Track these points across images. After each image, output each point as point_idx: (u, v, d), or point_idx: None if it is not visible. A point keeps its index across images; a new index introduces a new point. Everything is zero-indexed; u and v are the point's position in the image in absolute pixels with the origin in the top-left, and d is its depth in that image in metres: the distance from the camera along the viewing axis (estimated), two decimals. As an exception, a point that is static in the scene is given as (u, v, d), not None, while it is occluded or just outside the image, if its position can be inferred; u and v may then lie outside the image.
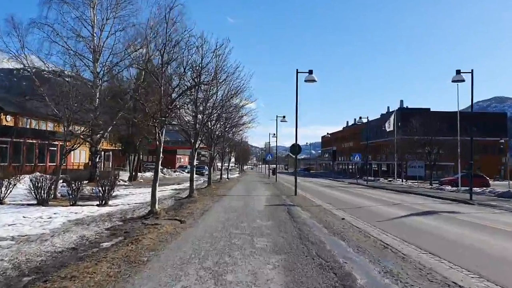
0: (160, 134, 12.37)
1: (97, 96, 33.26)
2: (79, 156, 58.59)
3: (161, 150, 12.83)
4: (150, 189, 28.17)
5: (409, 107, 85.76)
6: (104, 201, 16.58)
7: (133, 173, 44.63)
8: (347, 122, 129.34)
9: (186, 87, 12.14)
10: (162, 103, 11.84)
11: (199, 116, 19.69)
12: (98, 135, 35.44)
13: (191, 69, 12.15)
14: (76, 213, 13.41)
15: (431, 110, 72.11)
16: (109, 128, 36.41)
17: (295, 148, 23.20)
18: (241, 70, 19.77)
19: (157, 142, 12.50)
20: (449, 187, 36.32)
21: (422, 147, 43.42)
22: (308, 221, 11.99)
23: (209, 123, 21.75)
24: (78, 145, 23.92)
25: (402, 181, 51.44)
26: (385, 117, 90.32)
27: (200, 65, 13.57)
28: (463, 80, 22.78)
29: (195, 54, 13.11)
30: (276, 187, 31.73)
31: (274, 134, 64.29)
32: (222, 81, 19.27)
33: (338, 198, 23.34)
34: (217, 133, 27.24)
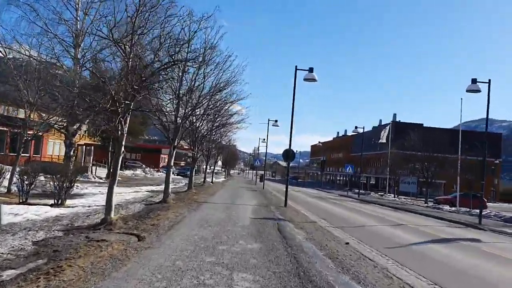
0: (123, 123, 9.68)
1: (76, 84, 30.36)
2: (59, 149, 55.46)
3: (123, 144, 10.15)
4: (125, 189, 25.39)
5: (401, 121, 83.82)
6: (59, 201, 13.86)
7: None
8: (338, 133, 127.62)
9: (161, 64, 9.50)
10: (127, 82, 9.17)
11: (181, 110, 17.00)
12: (75, 127, 32.57)
13: (169, 42, 9.49)
14: (16, 214, 10.66)
15: (424, 125, 70.37)
16: (87, 120, 33.54)
17: (289, 154, 20.64)
18: (233, 60, 17.15)
19: (119, 133, 9.81)
20: (447, 207, 34.03)
21: (419, 162, 41.17)
22: (306, 246, 9.36)
23: (193, 118, 19.06)
24: (41, 133, 20.96)
25: (395, 197, 49.19)
26: (377, 130, 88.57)
27: (182, 36, 10.91)
28: (479, 91, 20.45)
29: (176, 26, 10.53)
30: (264, 195, 29.10)
31: (264, 139, 61.78)
32: (210, 71, 16.66)
33: (333, 213, 20.78)
34: (202, 131, 24.56)
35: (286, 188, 20.60)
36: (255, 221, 13.33)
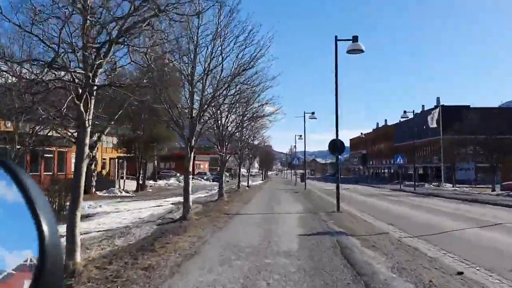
0: (81, 108, 6.04)
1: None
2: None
3: (86, 142, 6.51)
4: (149, 202, 21.97)
5: (446, 105, 77.40)
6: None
7: (141, 182, 38.67)
8: (377, 124, 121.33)
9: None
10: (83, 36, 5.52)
11: (196, 100, 13.32)
12: (94, 138, 29.70)
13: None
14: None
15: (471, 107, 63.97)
16: (107, 130, 30.59)
17: (336, 145, 16.56)
18: (257, 32, 13.27)
19: (83, 123, 6.17)
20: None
21: (480, 146, 35.93)
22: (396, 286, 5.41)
23: (214, 109, 15.34)
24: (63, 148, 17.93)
25: (453, 186, 43.90)
26: (420, 116, 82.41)
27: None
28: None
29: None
30: (308, 197, 25.05)
31: (300, 135, 57.66)
32: (228, 46, 12.88)
33: (399, 215, 16.52)
34: (229, 128, 20.88)
35: (338, 188, 16.51)
36: (305, 240, 9.39)
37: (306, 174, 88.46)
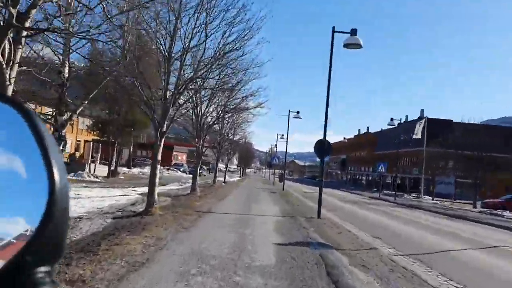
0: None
1: (67, 66, 25.58)
2: (70, 146, 50.97)
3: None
4: (116, 191, 20.21)
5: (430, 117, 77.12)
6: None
7: (113, 168, 36.67)
8: (359, 130, 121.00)
9: None
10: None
11: (173, 78, 11.72)
12: (64, 117, 27.72)
13: None
14: None
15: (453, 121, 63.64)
16: (79, 109, 28.64)
17: (323, 146, 15.16)
18: (248, 10, 11.72)
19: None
20: (506, 213, 28.03)
21: (465, 162, 35.17)
22: None
23: (190, 93, 13.72)
24: None
25: (433, 199, 43.19)
26: (404, 126, 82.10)
27: None
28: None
29: None
30: (286, 199, 23.65)
31: (283, 135, 56.36)
32: (213, 22, 11.33)
33: (384, 227, 15.22)
34: (208, 119, 19.30)
35: (320, 193, 15.12)
36: (283, 252, 7.93)
37: (285, 174, 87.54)
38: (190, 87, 12.13)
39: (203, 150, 19.49)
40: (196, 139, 18.87)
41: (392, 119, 37.12)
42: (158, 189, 23.15)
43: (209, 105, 18.70)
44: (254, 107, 19.46)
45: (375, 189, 62.12)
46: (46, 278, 0.67)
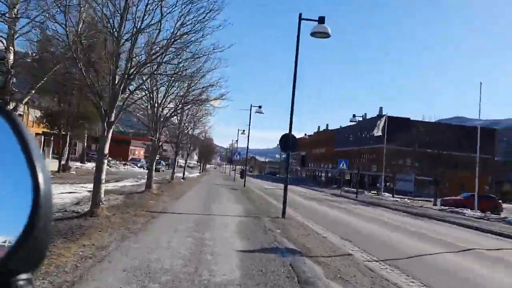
0: None
1: (11, 52, 23.39)
2: None
3: None
4: (63, 187, 18.39)
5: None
6: None
7: (63, 163, 34.24)
8: (318, 127, 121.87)
9: None
10: None
11: (125, 61, 10.32)
12: (8, 107, 25.38)
13: None
14: None
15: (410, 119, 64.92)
16: (26, 98, 26.35)
17: (288, 140, 14.12)
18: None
19: None
20: (468, 211, 28.09)
21: (424, 159, 35.33)
22: None
23: (143, 79, 12.29)
24: None
25: (393, 196, 43.42)
26: (363, 123, 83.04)
27: None
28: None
29: None
30: (248, 196, 22.55)
31: (244, 131, 55.31)
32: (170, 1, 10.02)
33: (353, 228, 14.37)
34: (165, 111, 17.85)
35: (285, 190, 14.09)
36: (249, 262, 6.78)
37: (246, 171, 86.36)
38: (143, 71, 10.75)
39: (160, 145, 18.05)
40: (152, 133, 17.42)
41: (354, 116, 36.77)
42: (110, 186, 21.47)
43: (167, 95, 17.29)
44: (215, 99, 18.23)
45: (334, 185, 62.35)
46: (27, 285, 0.67)
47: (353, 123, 40.91)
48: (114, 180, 28.01)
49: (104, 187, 10.39)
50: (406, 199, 40.02)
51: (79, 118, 33.58)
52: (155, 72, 11.04)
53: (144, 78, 11.33)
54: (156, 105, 16.92)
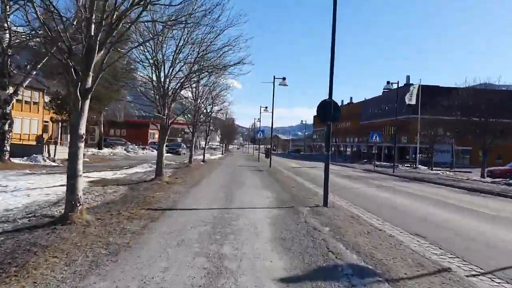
0: None
1: (7, 31, 20.87)
2: (29, 126, 45.72)
3: None
4: (61, 178, 15.69)
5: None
6: None
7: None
8: (342, 101, 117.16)
9: None
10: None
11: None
12: (7, 91, 22.89)
13: None
14: None
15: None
16: (26, 81, 23.85)
17: (328, 108, 10.97)
18: None
19: None
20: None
21: (472, 127, 31.47)
22: None
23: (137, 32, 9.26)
24: None
25: (432, 169, 39.89)
26: (389, 94, 78.58)
27: None
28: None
29: None
30: (276, 179, 19.59)
31: (266, 107, 52.13)
32: None
33: (418, 215, 11.21)
34: (173, 83, 14.84)
35: (326, 173, 10.99)
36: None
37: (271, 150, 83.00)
38: (129, 20, 7.72)
39: (170, 123, 15.11)
40: (160, 109, 14.49)
41: (388, 82, 33.09)
42: (119, 173, 18.80)
43: (174, 63, 14.28)
44: (236, 63, 15.04)
45: (364, 160, 58.82)
46: None
47: (387, 90, 37.19)
48: (128, 166, 25.45)
49: (82, 182, 7.52)
50: (447, 172, 36.41)
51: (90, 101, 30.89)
52: (138, 17, 7.90)
53: (127, 27, 8.23)
54: (162, 75, 14.00)
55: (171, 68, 14.47)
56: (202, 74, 16.28)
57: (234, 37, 14.15)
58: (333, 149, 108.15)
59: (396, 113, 35.14)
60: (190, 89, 20.67)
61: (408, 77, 79.77)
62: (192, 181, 15.66)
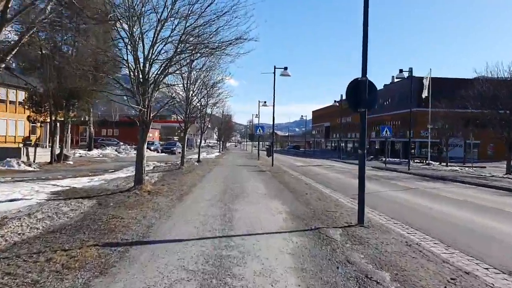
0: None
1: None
2: (15, 128, 42.53)
3: None
4: (25, 187, 12.30)
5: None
6: None
7: (58, 152, 28.45)
8: (341, 96, 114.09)
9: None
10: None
11: None
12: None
13: None
14: None
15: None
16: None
17: (362, 89, 7.89)
18: None
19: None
20: None
21: (494, 121, 28.40)
22: None
23: None
24: None
25: (447, 165, 36.89)
26: (389, 87, 75.53)
27: None
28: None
29: None
30: (283, 181, 16.52)
31: (265, 102, 48.93)
32: None
33: (495, 238, 8.18)
34: (155, 66, 11.69)
35: (362, 175, 7.92)
36: None
37: (263, 146, 79.68)
38: None
39: (151, 117, 11.95)
40: (138, 99, 11.37)
41: (401, 71, 29.97)
42: (96, 179, 15.66)
43: (156, 40, 11.17)
44: (236, 39, 11.76)
45: (371, 156, 55.74)
46: None
47: (400, 79, 34.17)
48: (113, 170, 22.33)
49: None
50: (465, 168, 33.37)
51: (69, 97, 27.58)
52: None
53: None
54: (141, 56, 10.91)
55: (152, 48, 11.34)
56: (192, 57, 13.10)
57: (230, 5, 10.92)
58: (333, 144, 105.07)
59: (410, 104, 31.89)
60: (181, 77, 17.59)
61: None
62: (181, 189, 12.51)
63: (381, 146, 71.57)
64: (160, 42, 11.55)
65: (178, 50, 11.71)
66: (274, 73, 29.47)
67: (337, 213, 9.33)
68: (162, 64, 11.83)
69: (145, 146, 12.08)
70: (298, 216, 8.79)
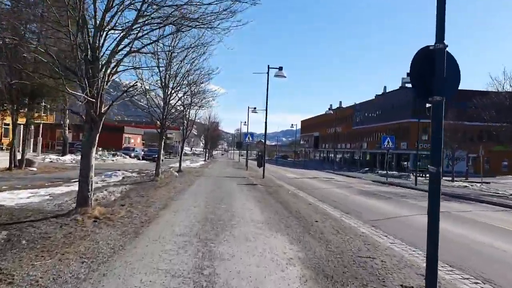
0: None
1: None
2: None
3: None
4: None
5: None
6: None
7: (19, 158, 24.37)
8: (331, 105, 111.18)
9: None
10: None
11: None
12: None
13: None
14: None
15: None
16: None
17: (440, 63, 4.66)
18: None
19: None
20: None
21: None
22: None
23: None
24: None
25: (453, 180, 33.91)
26: (383, 98, 72.79)
27: None
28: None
29: None
30: (281, 200, 13.09)
31: (254, 108, 45.74)
32: None
33: None
34: (106, 43, 8.24)
35: (435, 219, 4.64)
36: None
37: (254, 155, 76.03)
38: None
39: (103, 111, 8.45)
40: (85, 86, 7.92)
41: (408, 74, 26.90)
42: (32, 198, 12.06)
43: (110, 2, 7.79)
44: (224, 12, 8.35)
45: (366, 168, 52.64)
46: None
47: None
48: (75, 179, 18.62)
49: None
50: (476, 184, 30.39)
51: (32, 96, 23.81)
52: None
53: None
54: (90, 25, 7.46)
55: (105, 12, 7.91)
56: (164, 29, 9.64)
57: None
58: (322, 155, 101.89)
59: (404, 115, 28.76)
60: (156, 60, 14.10)
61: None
62: (144, 213, 8.95)
63: (373, 159, 68.70)
64: (115, 6, 8.09)
65: (142, 16, 8.26)
66: (268, 73, 26.19)
67: (376, 260, 6.00)
68: (118, 36, 8.36)
69: (93, 152, 8.55)
70: (320, 271, 5.37)
